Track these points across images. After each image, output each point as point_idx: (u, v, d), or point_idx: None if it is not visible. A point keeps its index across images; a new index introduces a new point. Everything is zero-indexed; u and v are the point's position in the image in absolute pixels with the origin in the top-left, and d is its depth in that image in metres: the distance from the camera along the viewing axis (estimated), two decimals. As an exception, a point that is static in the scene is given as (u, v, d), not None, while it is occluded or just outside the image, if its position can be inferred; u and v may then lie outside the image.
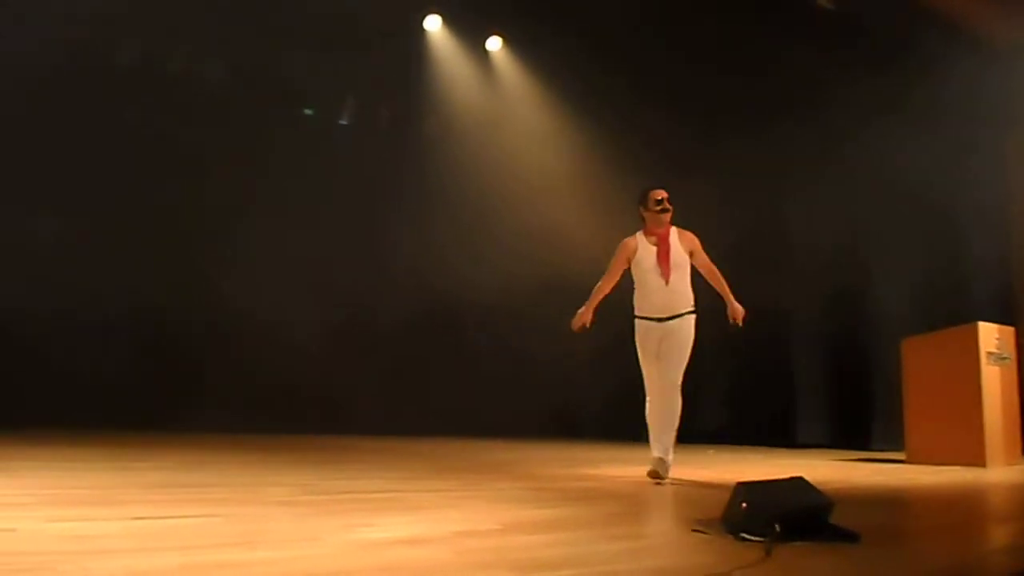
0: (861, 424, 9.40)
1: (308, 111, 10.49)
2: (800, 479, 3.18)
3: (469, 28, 10.54)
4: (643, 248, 5.37)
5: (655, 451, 5.22)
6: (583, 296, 5.57)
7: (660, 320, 5.31)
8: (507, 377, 10.41)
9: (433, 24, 10.51)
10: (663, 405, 5.27)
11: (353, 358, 9.94)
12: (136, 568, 2.23)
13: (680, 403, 5.27)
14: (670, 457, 5.19)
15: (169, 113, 9.05)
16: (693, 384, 10.91)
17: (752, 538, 2.79)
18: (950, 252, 9.03)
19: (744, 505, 2.92)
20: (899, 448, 7.63)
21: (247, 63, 9.70)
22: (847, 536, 2.87)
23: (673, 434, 5.25)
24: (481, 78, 10.81)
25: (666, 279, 5.24)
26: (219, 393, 8.86)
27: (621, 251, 5.43)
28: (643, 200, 5.43)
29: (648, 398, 5.39)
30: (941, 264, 8.88)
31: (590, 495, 4.40)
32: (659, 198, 5.36)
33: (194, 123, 9.17)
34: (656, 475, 5.09)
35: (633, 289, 5.43)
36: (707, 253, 5.51)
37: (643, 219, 5.43)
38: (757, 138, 9.43)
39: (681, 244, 5.37)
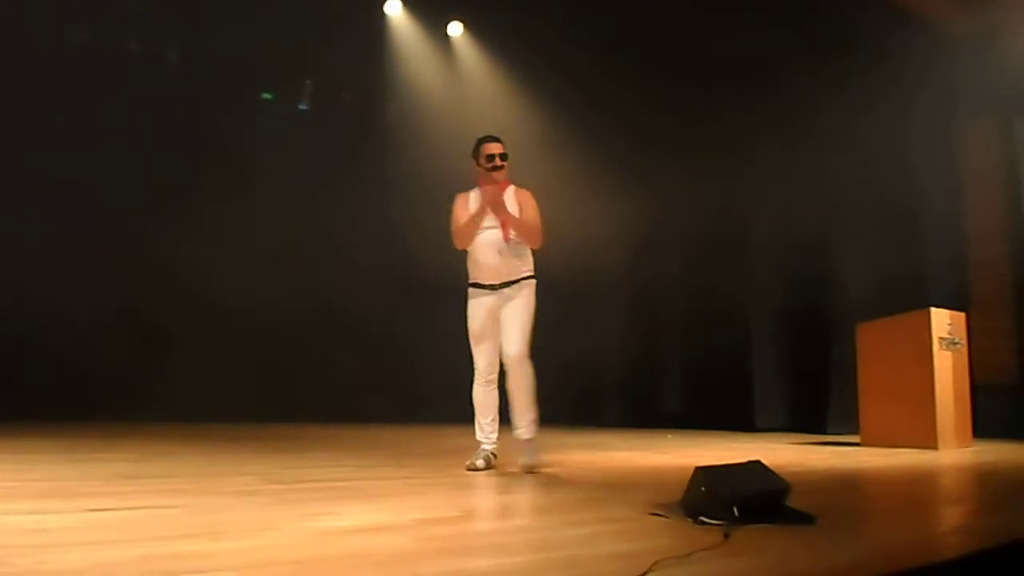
0: (818, 408, 9.55)
1: (267, 96, 10.36)
2: (758, 463, 3.24)
3: (429, 13, 10.48)
4: (474, 201, 4.84)
5: (486, 439, 4.85)
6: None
7: (494, 288, 4.76)
8: (466, 362, 10.41)
9: (393, 8, 10.43)
10: (513, 382, 4.73)
11: (315, 344, 9.91)
12: (94, 560, 2.20)
13: (532, 375, 4.74)
14: (535, 436, 4.80)
15: (128, 98, 8.90)
16: (652, 368, 11.15)
17: (711, 522, 2.83)
18: (908, 239, 9.19)
19: (703, 489, 2.97)
20: (855, 431, 7.78)
21: (206, 46, 9.56)
22: (804, 518, 2.92)
23: (534, 412, 4.79)
24: (443, 63, 10.76)
25: (505, 238, 4.71)
26: (180, 382, 8.77)
27: (459, 206, 4.86)
28: (475, 153, 4.87)
29: (476, 379, 4.88)
30: (899, 250, 9.04)
31: (550, 481, 4.42)
32: (490, 153, 4.79)
33: (154, 108, 9.04)
34: (476, 467, 4.69)
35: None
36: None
37: (477, 174, 4.88)
38: (723, 120, 9.51)
39: (515, 202, 4.81)
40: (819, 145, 9.20)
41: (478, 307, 4.78)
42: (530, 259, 4.86)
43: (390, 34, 10.56)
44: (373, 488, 3.93)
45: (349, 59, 10.27)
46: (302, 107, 10.50)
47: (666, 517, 3.02)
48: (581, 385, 11.17)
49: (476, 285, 4.82)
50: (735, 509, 2.82)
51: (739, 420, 9.90)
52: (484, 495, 3.77)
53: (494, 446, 4.88)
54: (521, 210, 4.78)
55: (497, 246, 4.72)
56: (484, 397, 4.88)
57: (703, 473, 3.02)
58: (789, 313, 10.15)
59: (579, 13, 9.42)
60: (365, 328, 10.28)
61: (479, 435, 4.89)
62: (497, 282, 4.75)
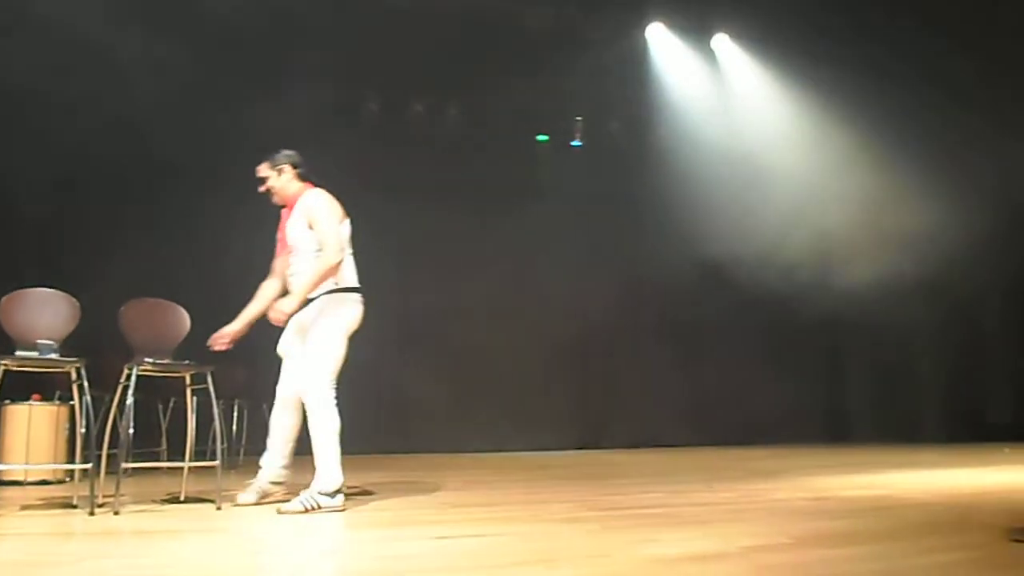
0: None
1: (542, 138, 10.70)
2: None
3: (691, 29, 10.36)
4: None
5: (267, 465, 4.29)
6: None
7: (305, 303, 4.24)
8: (771, 378, 10.18)
9: (654, 31, 10.45)
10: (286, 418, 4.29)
11: (603, 372, 10.10)
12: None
13: (316, 418, 4.05)
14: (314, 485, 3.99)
15: (411, 154, 9.59)
16: (976, 374, 10.10)
17: (1088, 548, 2.50)
18: None
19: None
20: None
21: (478, 97, 10.06)
22: None
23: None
24: (710, 78, 10.58)
25: (286, 255, 4.32)
26: (489, 413, 9.27)
27: None
28: None
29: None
30: None
31: (880, 504, 4.13)
32: (258, 175, 4.40)
33: (437, 160, 9.68)
34: (246, 502, 4.20)
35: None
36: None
37: None
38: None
39: (304, 217, 4.24)
40: None
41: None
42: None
43: (653, 57, 10.57)
44: (690, 514, 3.89)
45: (614, 89, 10.39)
46: (575, 144, 10.75)
47: (1031, 543, 2.71)
48: (895, 398, 10.41)
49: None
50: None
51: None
52: (811, 520, 3.60)
53: (273, 475, 4.30)
54: (312, 226, 4.21)
55: (287, 269, 4.33)
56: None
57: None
58: None
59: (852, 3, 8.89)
60: (654, 349, 10.30)
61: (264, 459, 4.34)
62: None
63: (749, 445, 9.42)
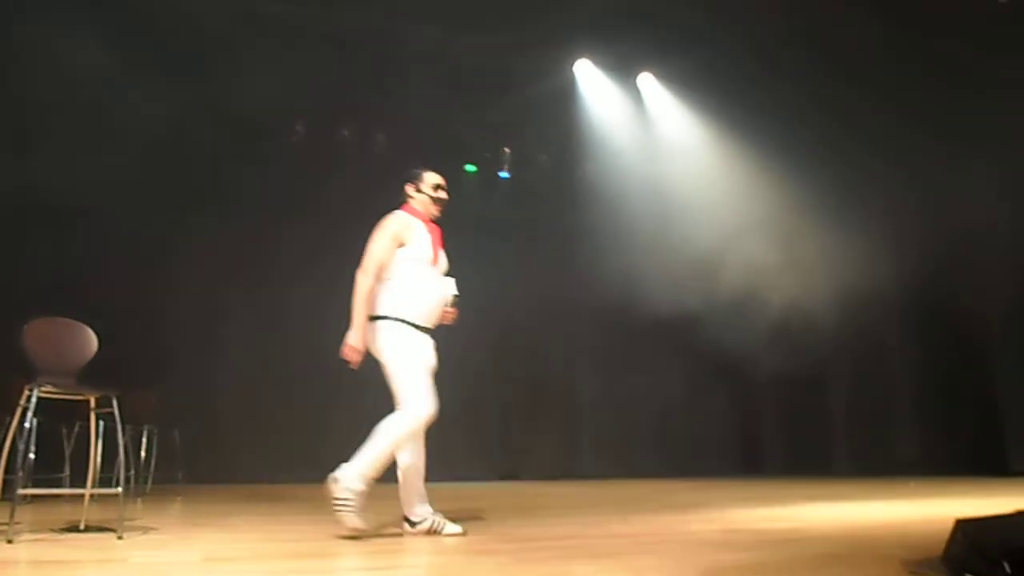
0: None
1: (471, 168, 10.76)
2: (1028, 513, 2.94)
3: (617, 67, 10.60)
4: (420, 231, 4.30)
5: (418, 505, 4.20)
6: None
7: (429, 332, 4.31)
8: (685, 413, 10.33)
9: (582, 69, 10.66)
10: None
11: (525, 403, 10.11)
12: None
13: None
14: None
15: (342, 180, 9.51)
16: (882, 410, 10.44)
17: (979, 579, 2.60)
18: None
19: (967, 543, 2.73)
20: None
21: (405, 125, 10.07)
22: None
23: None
24: (635, 114, 10.81)
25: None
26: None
27: (394, 226, 4.25)
28: (416, 179, 4.43)
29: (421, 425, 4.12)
30: None
31: (789, 537, 4.22)
32: (441, 183, 4.43)
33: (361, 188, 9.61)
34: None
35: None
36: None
37: (408, 199, 4.44)
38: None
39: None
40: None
41: (424, 349, 4.29)
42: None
43: (580, 92, 10.76)
44: (603, 546, 3.91)
45: (542, 122, 10.55)
46: (502, 175, 10.84)
47: (926, 575, 2.79)
48: (804, 431, 10.69)
49: (421, 328, 4.29)
50: (1006, 564, 2.57)
51: (989, 464, 9.07)
52: (720, 553, 3.64)
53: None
54: None
55: (438, 288, 4.41)
56: None
57: (966, 525, 2.78)
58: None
59: (770, 48, 9.22)
60: (574, 385, 10.38)
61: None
62: (433, 326, 4.39)
63: (668, 478, 9.55)
